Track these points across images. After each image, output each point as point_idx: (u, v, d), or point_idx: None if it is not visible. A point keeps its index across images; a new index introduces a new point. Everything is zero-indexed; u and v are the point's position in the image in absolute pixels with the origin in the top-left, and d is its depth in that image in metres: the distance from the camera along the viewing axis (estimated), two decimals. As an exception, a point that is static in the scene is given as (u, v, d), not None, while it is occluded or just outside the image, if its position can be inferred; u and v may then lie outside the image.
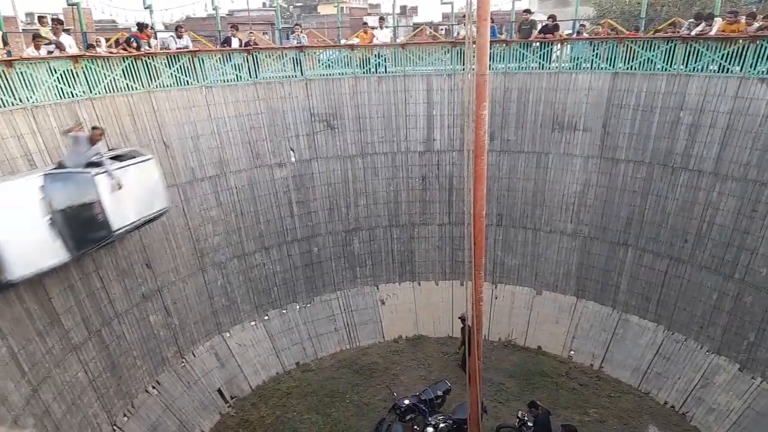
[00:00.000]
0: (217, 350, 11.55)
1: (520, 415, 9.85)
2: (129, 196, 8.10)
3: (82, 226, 7.63)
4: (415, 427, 9.85)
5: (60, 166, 7.85)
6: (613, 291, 12.71)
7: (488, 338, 13.31)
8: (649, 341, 11.91)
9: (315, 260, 13.51)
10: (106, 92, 9.84)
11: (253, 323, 12.41)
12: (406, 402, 10.34)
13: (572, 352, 12.78)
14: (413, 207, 14.14)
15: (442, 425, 9.75)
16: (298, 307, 13.21)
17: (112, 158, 8.26)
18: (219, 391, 11.13)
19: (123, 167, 8.14)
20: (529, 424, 9.44)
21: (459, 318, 12.41)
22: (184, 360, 10.93)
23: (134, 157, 8.67)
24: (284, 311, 12.98)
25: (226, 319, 11.98)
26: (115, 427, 8.94)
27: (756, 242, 10.34)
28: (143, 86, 10.51)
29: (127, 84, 10.24)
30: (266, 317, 12.68)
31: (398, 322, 13.88)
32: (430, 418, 9.93)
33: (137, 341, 10.00)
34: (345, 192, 13.60)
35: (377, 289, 14.15)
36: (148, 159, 8.93)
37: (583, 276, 13.17)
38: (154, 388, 10.10)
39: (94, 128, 8.35)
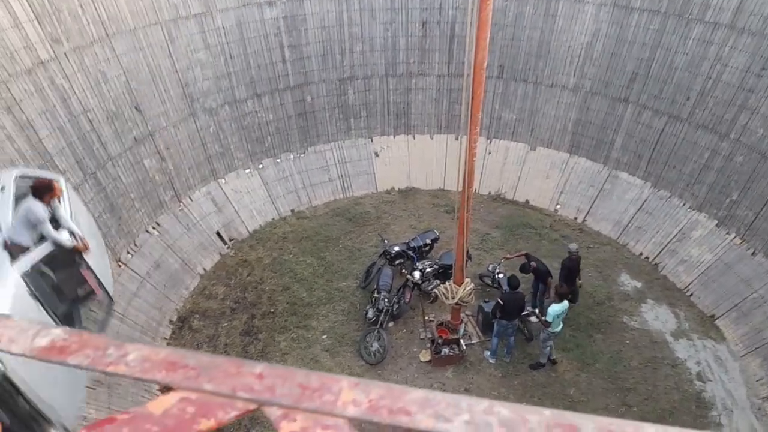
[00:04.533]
0: (213, 195, 11.82)
1: (490, 268, 10.53)
2: None
3: None
4: (403, 270, 10.49)
5: None
6: (606, 148, 12.71)
7: (479, 191, 13.63)
8: (635, 197, 12.23)
9: (308, 110, 13.23)
10: None
11: (247, 171, 12.54)
12: (396, 248, 10.89)
13: (558, 206, 13.18)
14: (412, 55, 13.48)
15: (428, 270, 10.40)
16: (292, 156, 13.25)
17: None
18: (218, 233, 11.63)
19: None
20: (500, 275, 10.07)
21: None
22: (181, 204, 11.22)
23: None
24: (278, 160, 13.05)
25: (221, 165, 12.08)
26: (120, 263, 9.48)
27: (758, 102, 10.09)
28: None
29: None
30: (260, 165, 12.78)
31: (391, 174, 14.07)
32: (417, 263, 10.55)
33: (134, 184, 10.16)
34: (340, 37, 12.83)
35: (371, 141, 14.08)
36: None
37: (578, 132, 13.06)
38: (154, 228, 10.51)
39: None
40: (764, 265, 9.87)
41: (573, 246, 10.12)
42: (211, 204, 11.75)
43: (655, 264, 11.51)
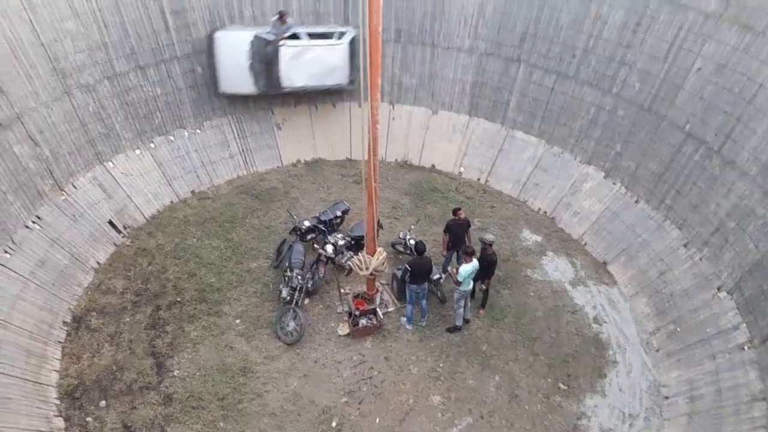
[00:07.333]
0: (101, 181, 10.81)
1: (401, 235, 10.70)
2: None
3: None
4: (316, 245, 10.33)
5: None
6: (503, 108, 13.15)
7: (385, 159, 13.65)
8: (531, 155, 12.84)
9: (200, 81, 12.35)
10: None
11: (137, 152, 11.57)
12: (306, 223, 10.68)
13: (462, 169, 13.55)
14: (305, 21, 12.94)
15: (341, 243, 10.33)
16: (186, 133, 12.40)
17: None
18: (110, 222, 10.70)
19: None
20: (411, 242, 10.14)
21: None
22: (64, 193, 10.16)
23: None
24: (171, 138, 12.15)
25: (106, 148, 11.02)
26: (-4, 266, 8.48)
27: (635, 56, 10.85)
28: None
29: None
30: (152, 145, 11.84)
31: (296, 146, 13.66)
32: (329, 237, 10.43)
33: (3, 175, 9.01)
34: (227, 0, 12.01)
35: (272, 113, 13.51)
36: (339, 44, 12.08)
37: (476, 94, 13.37)
38: (34, 223, 9.46)
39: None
40: (646, 211, 10.84)
41: (488, 237, 9.22)
42: (99, 190, 10.75)
43: (553, 218, 12.27)
